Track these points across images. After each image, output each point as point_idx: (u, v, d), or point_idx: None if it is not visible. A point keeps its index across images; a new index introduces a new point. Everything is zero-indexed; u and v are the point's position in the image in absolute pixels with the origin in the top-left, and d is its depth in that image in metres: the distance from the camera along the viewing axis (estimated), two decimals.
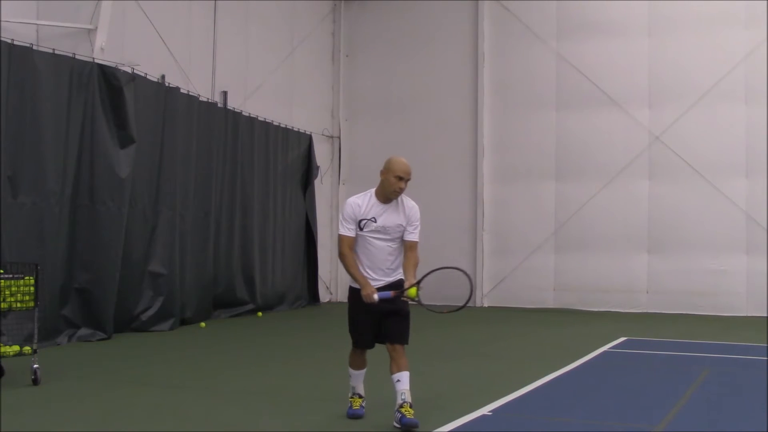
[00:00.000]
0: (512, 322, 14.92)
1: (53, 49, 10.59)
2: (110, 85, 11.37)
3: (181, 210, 13.10)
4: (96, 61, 11.37)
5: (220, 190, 14.45)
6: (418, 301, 5.78)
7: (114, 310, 11.28)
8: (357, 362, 6.17)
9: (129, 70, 11.79)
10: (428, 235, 18.33)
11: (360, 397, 6.21)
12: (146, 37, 13.38)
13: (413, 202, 6.01)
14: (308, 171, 17.61)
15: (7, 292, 7.26)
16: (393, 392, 5.83)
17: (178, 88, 13.17)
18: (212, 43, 15.27)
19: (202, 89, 14.63)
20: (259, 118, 15.81)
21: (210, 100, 14.62)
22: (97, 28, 11.65)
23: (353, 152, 19.54)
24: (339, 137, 19.63)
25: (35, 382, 7.38)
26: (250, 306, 15.20)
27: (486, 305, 18.04)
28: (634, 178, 17.03)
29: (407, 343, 5.94)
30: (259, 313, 15.17)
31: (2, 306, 7.26)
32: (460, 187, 18.22)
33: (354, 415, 6.12)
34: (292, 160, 17.00)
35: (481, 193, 18.10)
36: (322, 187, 18.74)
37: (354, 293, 6.00)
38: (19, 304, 7.35)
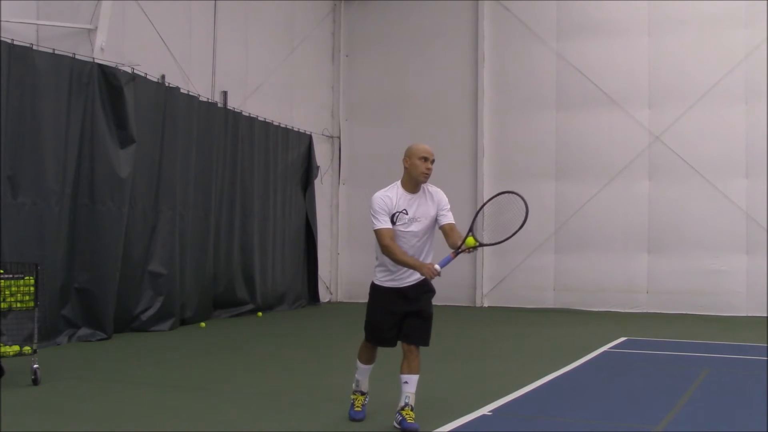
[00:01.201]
0: (512, 322, 14.93)
1: (53, 49, 10.59)
2: (110, 85, 11.37)
3: (181, 210, 13.10)
4: (96, 61, 11.37)
5: (220, 190, 14.46)
6: (480, 244, 5.65)
7: (114, 310, 11.28)
8: (367, 356, 6.06)
9: (129, 70, 11.79)
10: None
11: (362, 394, 6.13)
12: (146, 37, 13.37)
13: (438, 188, 5.96)
14: (308, 171, 17.61)
15: (7, 292, 7.26)
16: (398, 392, 5.82)
17: (178, 88, 13.17)
18: (212, 43, 15.27)
19: (202, 89, 14.63)
20: (259, 118, 15.81)
21: (210, 100, 14.62)
22: (97, 28, 11.64)
23: (353, 152, 19.54)
24: (339, 137, 19.63)
25: (35, 382, 7.38)
26: (250, 306, 15.19)
27: (486, 305, 18.04)
28: (634, 178, 17.03)
29: (427, 345, 5.88)
30: (259, 313, 15.17)
31: (2, 306, 7.26)
32: (460, 187, 18.20)
33: (355, 418, 6.07)
34: (292, 160, 17.01)
35: (481, 193, 18.07)
36: (322, 187, 18.74)
37: (376, 290, 5.93)
38: (19, 304, 7.35)
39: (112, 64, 11.54)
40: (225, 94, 15.45)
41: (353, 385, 6.18)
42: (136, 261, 11.97)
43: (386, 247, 5.69)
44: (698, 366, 9.36)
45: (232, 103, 15.41)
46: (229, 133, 14.74)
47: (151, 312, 12.16)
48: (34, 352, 7.47)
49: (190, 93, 13.60)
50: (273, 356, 10.15)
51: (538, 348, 11.14)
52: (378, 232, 5.74)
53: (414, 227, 5.81)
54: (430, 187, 5.94)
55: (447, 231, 5.83)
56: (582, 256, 17.34)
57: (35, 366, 7.40)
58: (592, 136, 17.39)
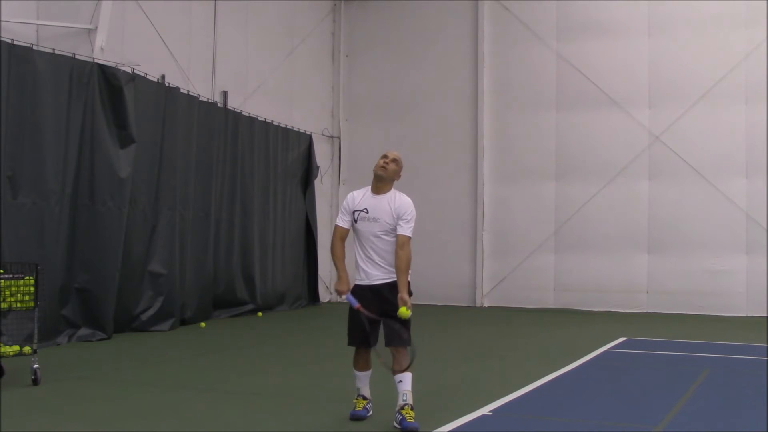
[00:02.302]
0: (512, 322, 14.92)
1: (53, 49, 10.60)
2: (110, 85, 11.37)
3: (181, 210, 13.10)
4: (96, 61, 11.37)
5: (220, 190, 14.45)
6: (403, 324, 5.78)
7: (114, 310, 11.28)
8: (358, 363, 6.09)
9: (129, 70, 11.80)
10: (428, 236, 18.43)
11: (364, 399, 6.12)
12: (146, 37, 13.38)
13: (407, 198, 6.00)
14: (308, 171, 17.61)
15: (7, 292, 7.26)
16: (395, 392, 5.83)
17: (178, 88, 13.17)
18: (212, 43, 15.27)
19: (202, 89, 14.63)
20: (259, 118, 15.81)
21: (210, 100, 14.62)
22: (97, 28, 11.64)
23: (353, 152, 19.53)
24: (339, 137, 19.63)
25: (35, 382, 7.38)
26: (250, 306, 15.19)
27: (486, 305, 18.04)
28: (634, 178, 17.03)
29: (407, 345, 5.85)
30: (259, 313, 15.17)
31: (2, 306, 7.26)
32: (460, 187, 18.22)
33: (355, 416, 6.06)
34: (292, 160, 17.00)
35: (481, 193, 18.09)
36: (322, 187, 18.74)
37: (354, 290, 5.97)
38: (19, 304, 7.35)
39: (112, 64, 11.55)
40: (225, 94, 15.45)
41: (355, 393, 6.19)
42: (136, 261, 11.97)
43: (332, 243, 6.06)
44: (698, 366, 9.36)
45: (232, 103, 15.41)
46: (229, 133, 14.74)
47: (151, 312, 12.16)
48: (34, 352, 7.46)
49: (190, 93, 13.60)
50: (273, 356, 10.14)
51: (538, 348, 11.14)
52: (334, 228, 6.09)
53: (374, 228, 5.90)
54: (399, 196, 6.01)
55: (396, 245, 5.86)
56: (582, 256, 17.33)
57: (35, 366, 7.40)
58: (592, 136, 17.39)
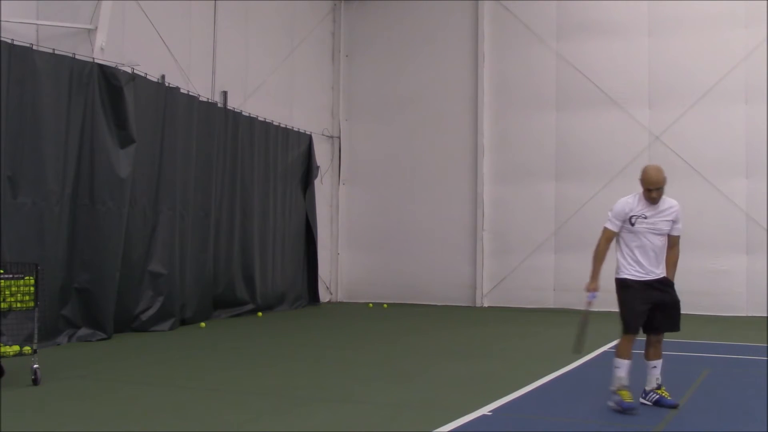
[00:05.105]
0: (512, 322, 14.92)
1: (53, 49, 10.60)
2: (110, 85, 11.38)
3: (181, 210, 13.10)
4: (96, 61, 11.38)
5: (220, 190, 14.46)
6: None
7: (114, 310, 11.29)
8: (628, 351, 6.61)
9: (129, 70, 11.80)
10: (428, 236, 18.39)
11: (628, 388, 6.51)
12: (146, 37, 13.37)
13: (674, 201, 6.89)
14: (308, 171, 17.62)
15: (7, 292, 7.26)
16: (647, 375, 6.70)
17: (178, 88, 13.17)
18: (212, 43, 15.27)
19: (202, 89, 14.63)
20: (259, 118, 15.81)
21: (210, 100, 14.62)
22: (97, 28, 11.65)
23: (353, 152, 19.53)
24: (339, 137, 19.62)
25: (35, 382, 7.38)
26: (250, 306, 15.20)
27: (486, 305, 18.03)
28: (634, 179, 16.81)
29: (679, 330, 6.75)
30: (259, 313, 15.18)
31: (2, 306, 7.26)
32: (460, 187, 18.21)
33: (633, 406, 6.42)
34: (292, 160, 17.01)
35: (481, 193, 18.08)
36: (322, 187, 18.74)
37: (625, 283, 6.71)
38: (19, 304, 7.36)
39: (112, 64, 11.55)
40: (225, 94, 15.45)
41: (616, 383, 6.56)
42: (136, 261, 11.97)
43: (599, 245, 6.98)
44: (698, 366, 9.36)
45: (232, 103, 15.41)
46: (229, 133, 14.74)
47: (151, 312, 12.16)
48: (34, 352, 7.47)
49: (190, 93, 13.60)
50: (273, 356, 10.15)
51: (538, 348, 11.14)
52: (603, 230, 7.04)
53: (653, 231, 6.74)
54: (668, 201, 6.95)
55: (670, 243, 6.83)
56: (582, 256, 17.08)
57: (35, 366, 7.40)
58: (592, 136, 17.38)
